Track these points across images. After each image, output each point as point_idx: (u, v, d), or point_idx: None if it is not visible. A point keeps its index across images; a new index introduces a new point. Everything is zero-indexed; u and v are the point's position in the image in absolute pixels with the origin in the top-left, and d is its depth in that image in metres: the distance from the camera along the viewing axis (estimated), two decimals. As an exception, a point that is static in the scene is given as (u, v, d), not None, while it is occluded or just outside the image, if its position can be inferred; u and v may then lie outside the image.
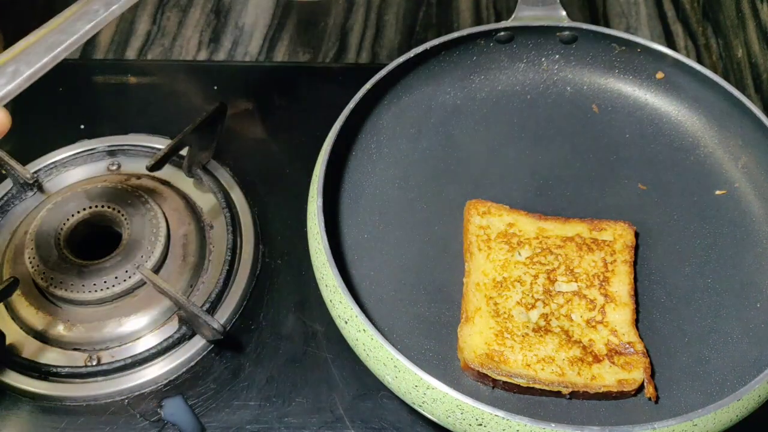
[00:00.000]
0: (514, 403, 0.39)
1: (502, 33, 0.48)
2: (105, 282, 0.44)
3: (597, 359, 0.40)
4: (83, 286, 0.44)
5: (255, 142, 0.54)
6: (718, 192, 0.46)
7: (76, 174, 0.51)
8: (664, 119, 0.49)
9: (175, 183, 0.50)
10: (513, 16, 0.49)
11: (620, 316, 0.41)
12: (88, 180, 0.50)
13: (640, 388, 0.39)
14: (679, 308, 0.42)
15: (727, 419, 0.35)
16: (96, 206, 0.47)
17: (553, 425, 0.33)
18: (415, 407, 0.37)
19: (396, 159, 0.47)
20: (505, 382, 0.39)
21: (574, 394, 0.39)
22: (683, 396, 0.39)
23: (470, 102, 0.50)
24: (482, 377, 0.40)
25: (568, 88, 0.50)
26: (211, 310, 0.45)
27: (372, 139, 0.47)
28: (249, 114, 0.55)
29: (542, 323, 0.41)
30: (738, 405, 0.35)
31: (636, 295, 0.42)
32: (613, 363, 0.39)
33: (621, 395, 0.39)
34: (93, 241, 0.47)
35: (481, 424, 0.34)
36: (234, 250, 0.47)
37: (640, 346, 0.40)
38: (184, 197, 0.49)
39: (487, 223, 0.45)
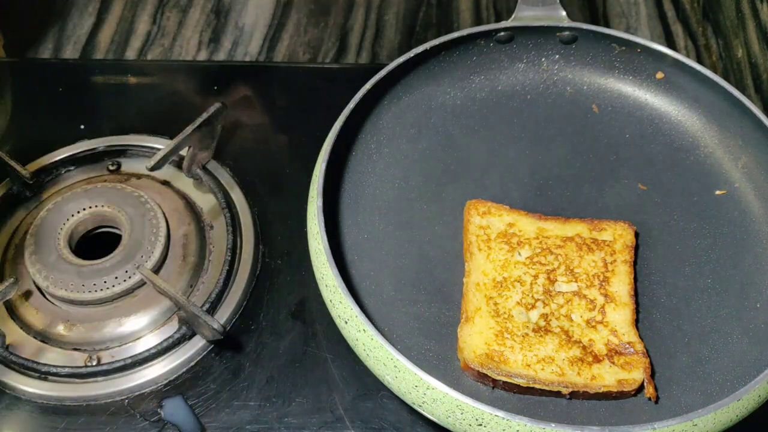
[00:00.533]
0: (514, 403, 0.39)
1: (502, 33, 0.49)
2: (105, 282, 0.44)
3: (597, 359, 0.40)
4: (83, 286, 0.44)
5: (255, 142, 0.54)
6: (718, 192, 0.46)
7: (76, 174, 0.51)
8: (664, 119, 0.49)
9: (175, 183, 0.50)
10: (513, 16, 0.49)
11: (620, 316, 0.41)
12: (88, 180, 0.50)
13: (640, 388, 0.39)
14: (679, 308, 0.42)
15: (727, 419, 0.35)
16: (96, 206, 0.47)
17: (553, 425, 0.33)
18: (415, 407, 0.37)
19: (396, 159, 0.47)
20: (505, 382, 0.39)
21: (574, 394, 0.39)
22: (683, 396, 0.39)
23: (470, 102, 0.50)
24: (482, 377, 0.40)
25: (568, 88, 0.50)
26: (211, 310, 0.45)
27: (372, 139, 0.47)
28: (249, 114, 0.55)
29: (542, 323, 0.41)
30: (738, 405, 0.35)
31: (636, 295, 0.42)
32: (613, 363, 0.40)
33: (621, 395, 0.39)
34: (93, 242, 0.47)
35: (481, 425, 0.34)
36: (234, 250, 0.47)
37: (640, 346, 0.40)
38: (184, 197, 0.49)
39: (487, 223, 0.45)
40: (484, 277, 0.43)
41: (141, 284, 0.45)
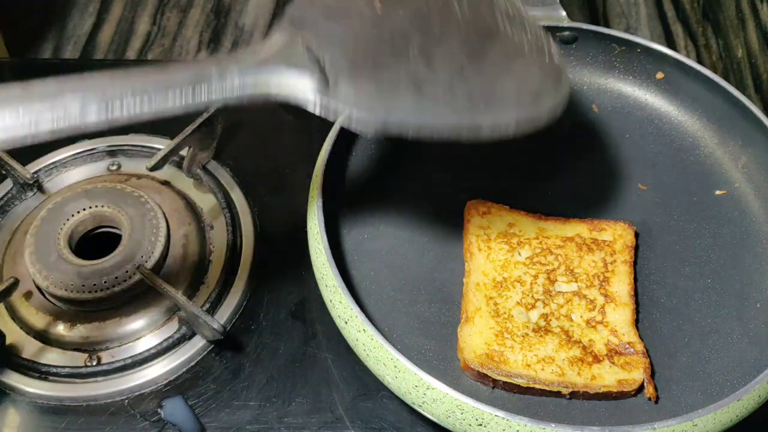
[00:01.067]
0: (514, 403, 0.39)
1: (502, 33, 0.48)
2: (105, 282, 0.44)
3: (597, 359, 0.39)
4: (83, 286, 0.43)
5: (255, 142, 0.54)
6: (718, 192, 0.46)
7: (76, 174, 0.51)
8: (664, 119, 0.49)
9: (175, 183, 0.50)
10: (513, 16, 0.49)
11: (620, 316, 0.41)
12: (88, 180, 0.50)
13: (640, 388, 0.38)
14: (679, 308, 0.42)
15: (727, 419, 0.35)
16: (96, 206, 0.47)
17: (553, 425, 0.33)
18: (415, 407, 0.36)
19: (397, 158, 0.47)
20: (505, 382, 0.39)
21: (574, 394, 0.38)
22: (683, 396, 0.38)
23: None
24: (482, 377, 0.39)
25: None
26: (211, 310, 0.45)
27: (372, 139, 0.47)
28: (249, 114, 0.55)
29: (542, 323, 0.41)
30: (738, 405, 0.35)
31: (636, 295, 0.42)
32: (613, 363, 0.39)
33: (621, 395, 0.38)
34: (93, 241, 0.47)
35: (481, 425, 0.34)
36: (234, 250, 0.47)
37: (640, 346, 0.40)
38: (184, 197, 0.49)
39: (488, 223, 0.45)
40: (484, 277, 0.43)
41: (141, 284, 0.44)
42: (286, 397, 0.43)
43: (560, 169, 0.47)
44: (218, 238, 0.47)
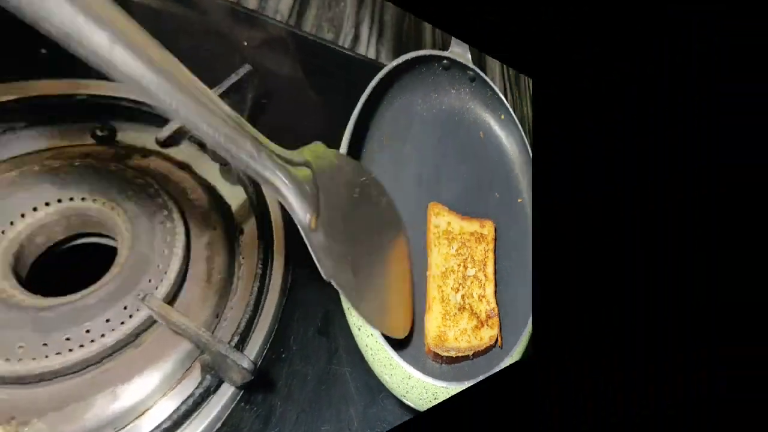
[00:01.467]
0: (450, 373, 0.48)
1: (445, 60, 0.54)
2: (88, 332, 0.26)
3: (482, 324, 0.53)
4: (44, 346, 0.25)
5: (290, 118, 0.40)
6: (519, 200, 0.67)
7: (33, 138, 0.25)
8: (505, 148, 0.66)
9: (197, 168, 0.33)
10: (449, 49, 0.55)
11: (490, 290, 0.56)
12: (55, 151, 0.26)
13: (497, 341, 0.55)
14: (508, 280, 0.59)
15: (521, 348, 0.55)
16: (70, 199, 0.27)
17: (466, 382, 0.45)
18: (404, 400, 0.42)
19: (394, 160, 0.47)
20: (446, 357, 0.48)
21: (475, 355, 0.51)
22: (509, 339, 0.57)
23: (431, 115, 0.54)
24: (436, 357, 0.48)
25: (471, 117, 0.60)
26: (241, 343, 0.34)
27: (374, 136, 0.45)
28: (278, 82, 0.39)
29: (461, 302, 0.52)
30: (525, 338, 0.54)
31: (495, 273, 0.58)
32: (488, 325, 0.54)
33: (490, 348, 0.54)
34: (63, 263, 0.27)
35: (436, 398, 0.43)
36: (266, 262, 0.35)
37: (497, 310, 0.56)
38: (209, 189, 0.33)
39: (438, 222, 0.51)
40: (436, 269, 0.50)
41: (148, 326, 0.29)
42: (314, 430, 0.38)
43: (469, 178, 0.58)
44: (248, 246, 0.35)
